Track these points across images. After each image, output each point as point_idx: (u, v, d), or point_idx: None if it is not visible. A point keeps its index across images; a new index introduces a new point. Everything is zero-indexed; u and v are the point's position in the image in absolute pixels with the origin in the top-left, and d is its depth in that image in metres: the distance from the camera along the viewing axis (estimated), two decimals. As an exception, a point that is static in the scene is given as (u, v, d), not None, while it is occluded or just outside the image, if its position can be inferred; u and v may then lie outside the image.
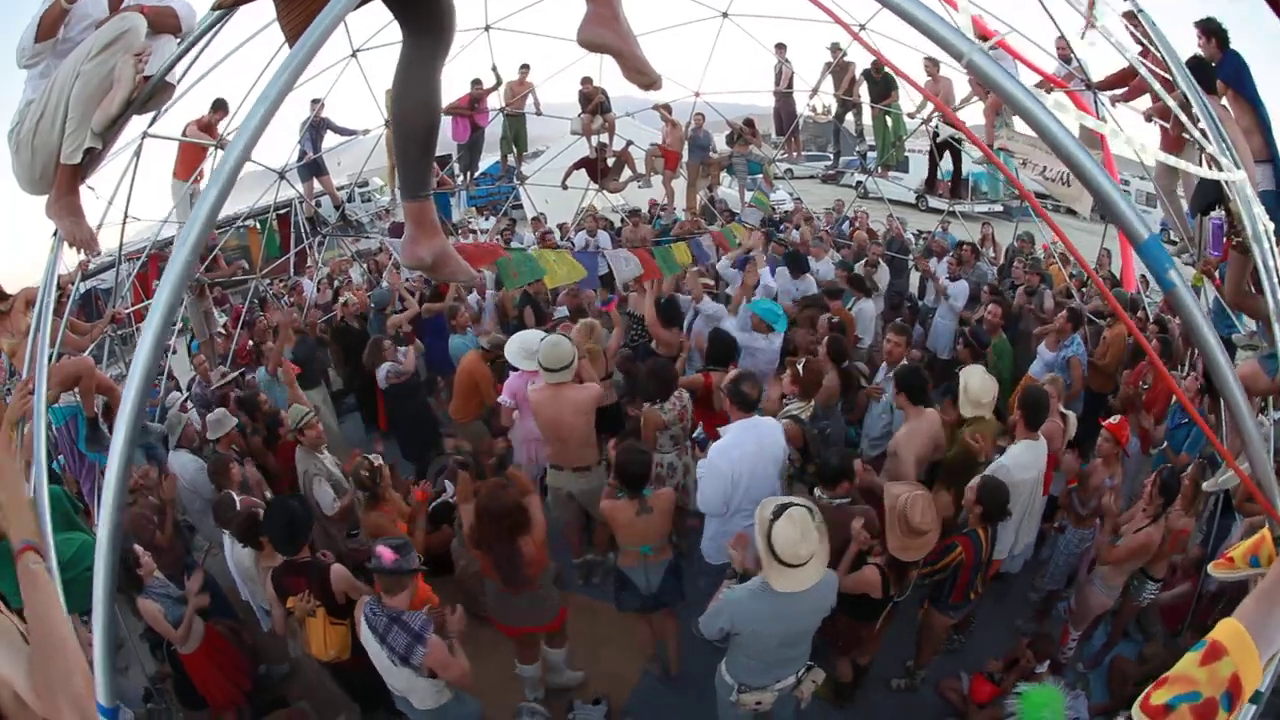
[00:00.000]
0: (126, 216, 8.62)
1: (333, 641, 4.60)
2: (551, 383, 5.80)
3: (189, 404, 7.75)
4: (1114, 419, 5.82)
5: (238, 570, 5.42)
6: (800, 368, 5.96)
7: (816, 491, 4.98)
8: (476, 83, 12.57)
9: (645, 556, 5.00)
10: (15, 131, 3.17)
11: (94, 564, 3.56)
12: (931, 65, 10.97)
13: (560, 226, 13.82)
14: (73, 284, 5.73)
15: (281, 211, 14.36)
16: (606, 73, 12.83)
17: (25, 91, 3.23)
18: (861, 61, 12.82)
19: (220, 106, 9.53)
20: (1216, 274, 6.41)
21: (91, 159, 3.25)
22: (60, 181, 3.25)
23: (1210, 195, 5.88)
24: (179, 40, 3.44)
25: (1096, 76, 7.73)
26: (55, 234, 3.54)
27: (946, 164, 12.53)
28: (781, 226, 13.58)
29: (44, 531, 2.69)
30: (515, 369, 6.55)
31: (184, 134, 9.21)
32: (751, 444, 5.02)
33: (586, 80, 12.93)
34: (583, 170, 13.49)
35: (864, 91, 12.94)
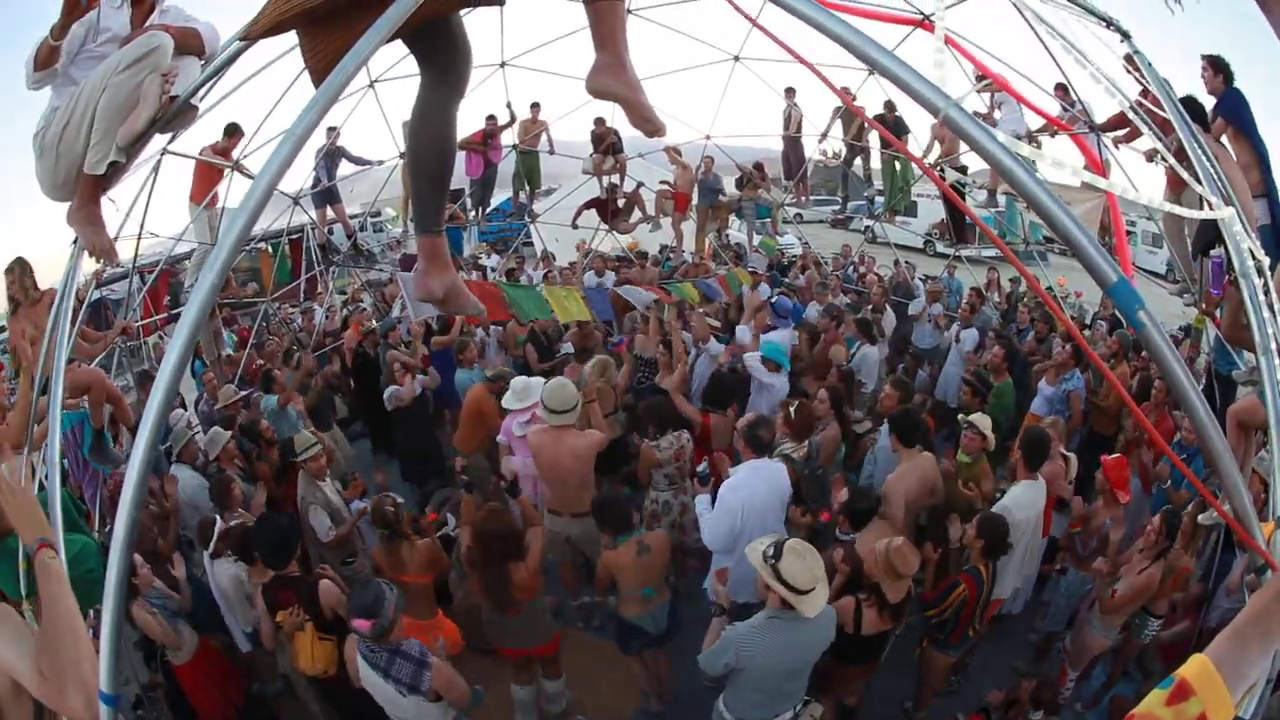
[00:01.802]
0: (142, 231, 8.72)
1: (320, 656, 4.57)
2: (553, 424, 5.74)
3: (193, 421, 7.79)
4: (1114, 455, 5.84)
5: (219, 592, 5.40)
6: (792, 410, 6.01)
7: (838, 531, 5.08)
8: (491, 119, 12.70)
9: (649, 600, 5.03)
10: (40, 136, 3.23)
11: (95, 564, 3.64)
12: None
13: (571, 265, 13.86)
14: (89, 293, 5.77)
15: (294, 236, 14.48)
16: (618, 114, 12.90)
17: (51, 98, 3.29)
18: (871, 106, 12.99)
19: (234, 131, 9.67)
20: (1217, 313, 6.45)
21: (114, 171, 3.31)
22: (82, 191, 3.31)
23: (1211, 234, 5.95)
24: (203, 62, 3.53)
25: (1099, 118, 7.86)
26: (75, 242, 3.61)
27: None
28: (789, 271, 13.67)
29: (55, 528, 2.75)
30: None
31: (200, 154, 9.36)
32: (761, 483, 5.06)
33: (599, 121, 13.01)
34: (593, 210, 13.52)
35: (873, 137, 13.07)
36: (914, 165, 12.87)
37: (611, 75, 2.24)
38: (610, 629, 5.68)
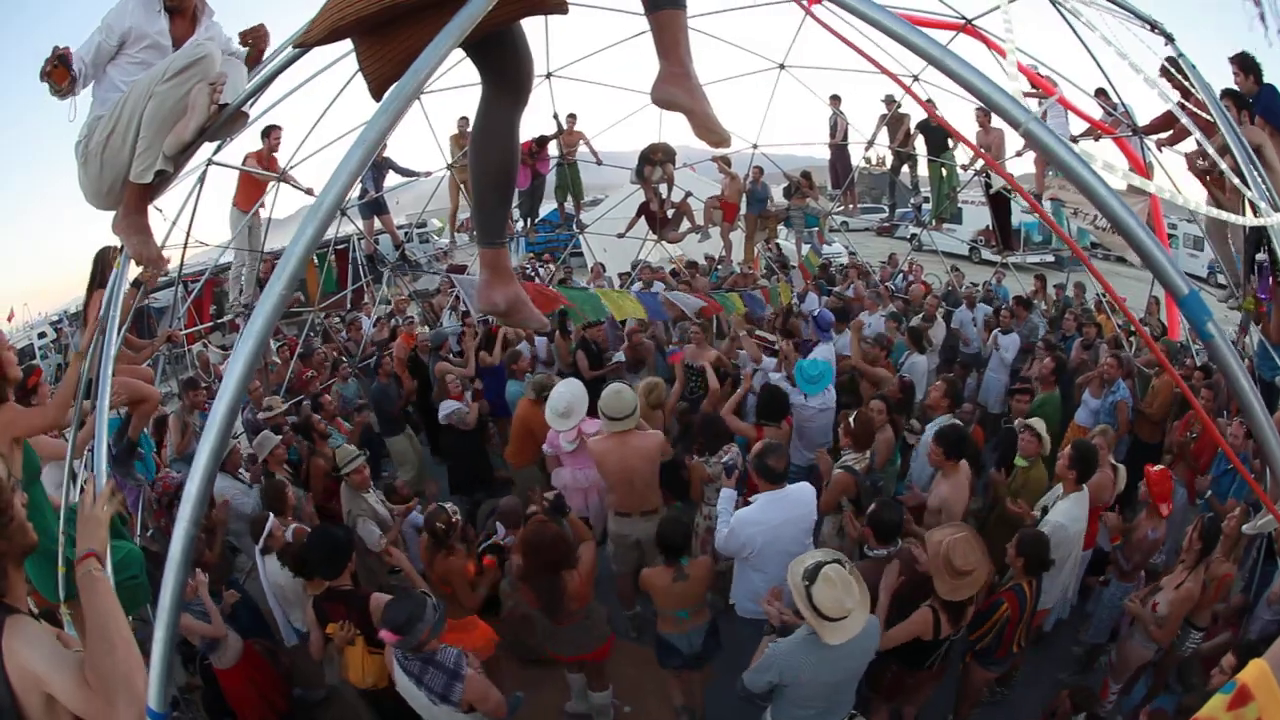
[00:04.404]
0: (188, 240, 8.84)
1: (370, 670, 4.57)
2: (614, 431, 5.83)
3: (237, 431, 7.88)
4: (1158, 467, 5.72)
5: (271, 588, 5.46)
6: (852, 420, 5.95)
7: (865, 548, 5.00)
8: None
9: (683, 621, 5.02)
10: (83, 144, 3.24)
11: (138, 571, 3.64)
12: (983, 116, 11.02)
13: (621, 276, 13.83)
14: (134, 303, 5.76)
15: (340, 247, 14.62)
16: (667, 125, 12.92)
17: (93, 106, 3.30)
18: (917, 113, 12.85)
19: (270, 131, 9.80)
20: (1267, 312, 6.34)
21: (162, 181, 3.31)
22: (129, 199, 3.31)
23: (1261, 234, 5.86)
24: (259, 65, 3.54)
25: (1141, 121, 7.76)
26: (121, 250, 3.63)
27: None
28: (837, 281, 13.58)
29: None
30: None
31: (244, 164, 9.47)
32: (777, 516, 5.00)
33: (655, 149, 12.73)
34: (642, 220, 13.36)
35: (919, 144, 12.95)
36: (959, 172, 12.75)
37: (676, 85, 2.21)
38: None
